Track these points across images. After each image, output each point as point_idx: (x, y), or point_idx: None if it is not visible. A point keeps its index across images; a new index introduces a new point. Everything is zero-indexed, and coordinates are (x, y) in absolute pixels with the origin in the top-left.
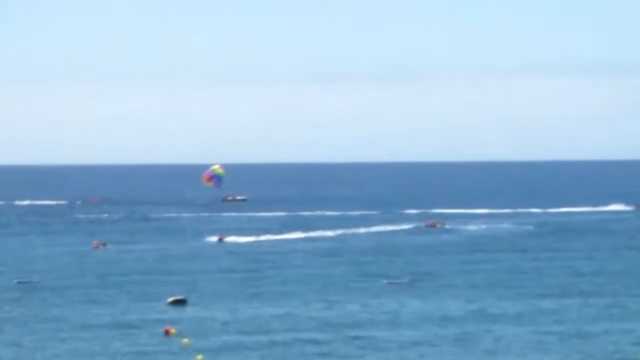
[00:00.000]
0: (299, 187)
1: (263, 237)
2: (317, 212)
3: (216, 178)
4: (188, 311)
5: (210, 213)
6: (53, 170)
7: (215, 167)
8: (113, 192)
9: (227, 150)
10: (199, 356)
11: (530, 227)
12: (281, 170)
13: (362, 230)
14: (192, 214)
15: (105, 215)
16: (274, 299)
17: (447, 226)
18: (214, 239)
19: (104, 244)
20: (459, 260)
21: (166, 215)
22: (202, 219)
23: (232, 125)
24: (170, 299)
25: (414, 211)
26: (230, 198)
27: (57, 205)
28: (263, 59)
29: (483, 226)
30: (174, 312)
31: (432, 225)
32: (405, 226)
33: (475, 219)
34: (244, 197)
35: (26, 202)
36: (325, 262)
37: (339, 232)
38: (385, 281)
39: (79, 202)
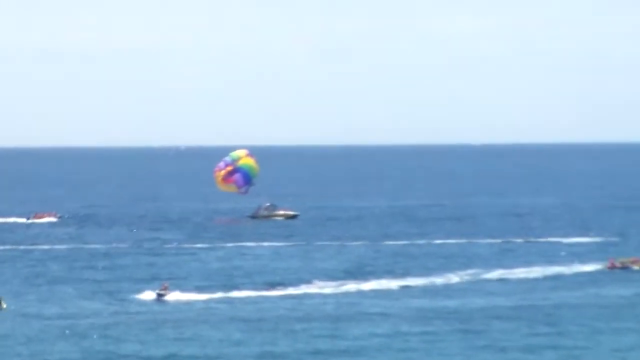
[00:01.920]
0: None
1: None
2: (410, 241)
3: (241, 175)
4: None
5: (217, 244)
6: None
7: (239, 153)
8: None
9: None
10: None
11: None
12: (353, 155)
13: (495, 273)
14: (192, 245)
15: (43, 247)
16: None
17: None
18: (150, 295)
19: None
20: None
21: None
22: (206, 255)
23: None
24: None
25: (583, 239)
26: (265, 213)
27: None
28: None
29: None
30: None
31: (623, 266)
32: (580, 267)
33: None
34: (292, 212)
35: None
36: (438, 333)
37: (457, 277)
38: None
39: (27, 219)
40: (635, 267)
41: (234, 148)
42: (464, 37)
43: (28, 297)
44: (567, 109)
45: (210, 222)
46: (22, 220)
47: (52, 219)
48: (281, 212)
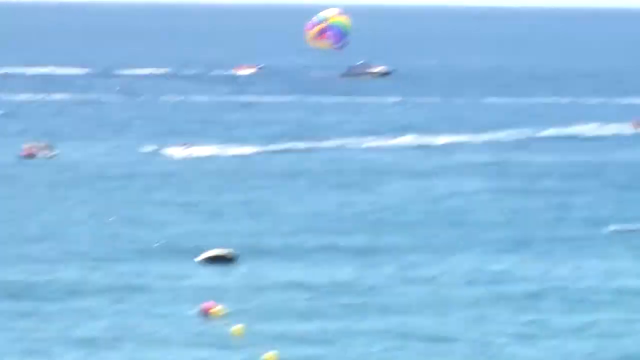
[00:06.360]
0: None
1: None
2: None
3: (335, 32)
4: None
5: (309, 96)
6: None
7: (326, 13)
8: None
9: None
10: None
11: None
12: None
13: (550, 131)
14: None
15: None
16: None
17: None
18: (177, 151)
19: (46, 148)
20: None
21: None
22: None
23: None
24: (206, 255)
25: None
26: (359, 70)
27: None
28: None
29: None
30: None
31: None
32: (609, 128)
33: None
34: (385, 69)
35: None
36: (487, 192)
37: (514, 133)
38: (612, 228)
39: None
40: None
41: (325, 7)
42: None
43: (86, 145)
44: None
45: (303, 76)
46: (224, 72)
47: (252, 71)
48: (375, 70)
